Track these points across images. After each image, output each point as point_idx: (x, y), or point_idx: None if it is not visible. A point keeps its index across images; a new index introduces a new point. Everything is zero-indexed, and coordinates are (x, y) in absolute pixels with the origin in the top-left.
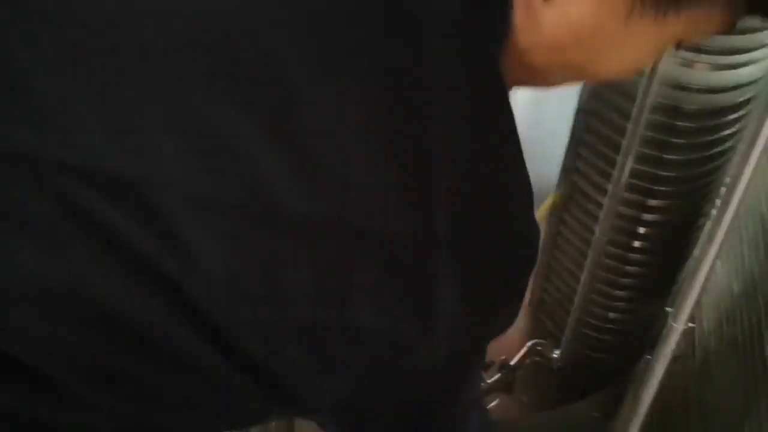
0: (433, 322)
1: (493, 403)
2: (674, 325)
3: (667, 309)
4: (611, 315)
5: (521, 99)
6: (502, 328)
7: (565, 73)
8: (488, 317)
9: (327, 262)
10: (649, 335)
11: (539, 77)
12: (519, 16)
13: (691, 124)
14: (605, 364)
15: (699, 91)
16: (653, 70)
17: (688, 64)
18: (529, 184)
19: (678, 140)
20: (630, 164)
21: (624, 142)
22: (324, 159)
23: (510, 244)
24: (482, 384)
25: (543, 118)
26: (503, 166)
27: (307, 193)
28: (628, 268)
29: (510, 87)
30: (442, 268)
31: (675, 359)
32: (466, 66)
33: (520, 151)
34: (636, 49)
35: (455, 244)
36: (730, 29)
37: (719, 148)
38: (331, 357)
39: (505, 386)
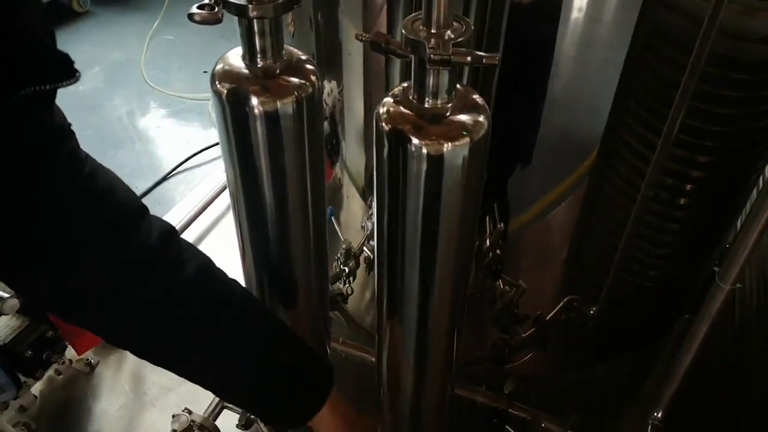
0: None
1: (526, 357)
2: (721, 284)
3: (715, 268)
4: (651, 273)
5: (567, 47)
6: None
7: None
8: None
9: None
10: (687, 295)
11: None
12: None
13: (748, 77)
14: (641, 323)
15: (759, 40)
16: (713, 18)
17: (749, 12)
18: None
19: (733, 93)
20: (681, 118)
21: (676, 95)
22: None
23: None
24: (516, 338)
25: (589, 69)
26: None
27: None
28: (672, 225)
29: None
30: None
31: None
32: None
33: None
34: None
35: None
36: None
37: None
38: None
39: (539, 341)
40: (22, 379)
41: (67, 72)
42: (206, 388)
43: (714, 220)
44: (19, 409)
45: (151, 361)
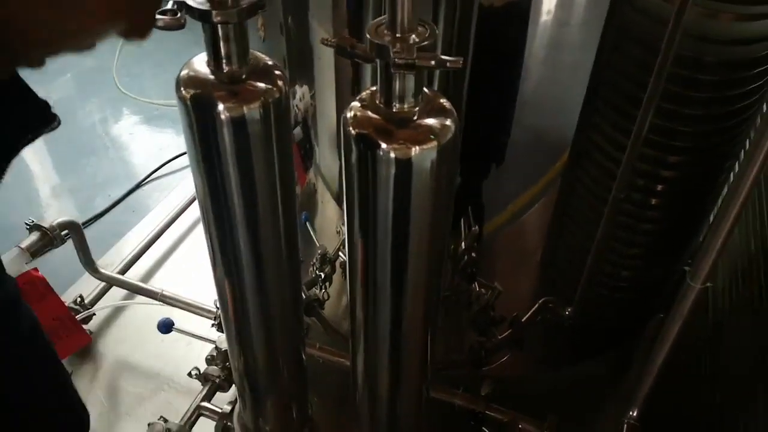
0: None
1: (502, 359)
2: (692, 284)
3: (686, 268)
4: (624, 273)
5: (536, 49)
6: None
7: None
8: None
9: None
10: (660, 295)
11: None
12: None
13: (714, 78)
14: (615, 323)
15: (722, 42)
16: (677, 19)
17: (712, 14)
18: None
19: (699, 94)
20: (649, 119)
21: (645, 96)
22: None
23: None
24: (492, 340)
25: (559, 71)
26: None
27: None
28: (644, 225)
29: None
30: None
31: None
32: None
33: None
34: None
35: None
36: None
37: (742, 103)
38: None
39: (515, 342)
40: None
41: (48, 117)
42: None
43: (686, 220)
44: None
45: None
